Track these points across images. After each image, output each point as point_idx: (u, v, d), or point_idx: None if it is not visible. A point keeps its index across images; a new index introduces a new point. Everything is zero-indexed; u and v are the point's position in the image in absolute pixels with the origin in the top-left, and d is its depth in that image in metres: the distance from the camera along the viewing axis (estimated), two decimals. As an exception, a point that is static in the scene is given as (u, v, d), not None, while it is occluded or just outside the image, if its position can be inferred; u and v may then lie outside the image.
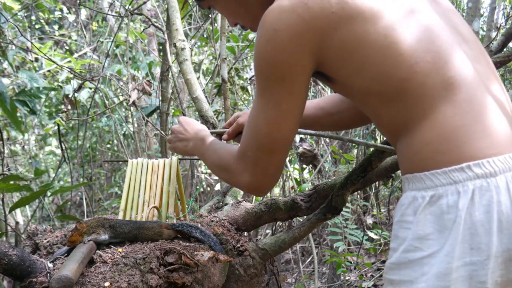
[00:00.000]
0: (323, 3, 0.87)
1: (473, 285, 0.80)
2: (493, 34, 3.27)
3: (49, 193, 3.98)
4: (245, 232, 1.74)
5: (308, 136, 3.83)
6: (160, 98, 3.53)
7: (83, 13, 5.11)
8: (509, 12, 4.01)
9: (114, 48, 4.31)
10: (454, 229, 0.80)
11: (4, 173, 2.32)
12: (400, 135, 0.91)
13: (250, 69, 3.08)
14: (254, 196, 2.44)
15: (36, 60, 4.11)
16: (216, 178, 4.10)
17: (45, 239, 1.47)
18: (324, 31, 0.88)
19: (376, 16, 0.87)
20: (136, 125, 4.06)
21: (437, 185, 0.83)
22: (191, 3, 3.19)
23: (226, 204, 1.85)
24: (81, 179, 4.42)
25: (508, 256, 0.79)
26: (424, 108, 0.86)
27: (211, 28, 3.24)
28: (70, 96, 3.12)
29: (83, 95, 3.88)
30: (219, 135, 1.48)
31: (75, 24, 5.21)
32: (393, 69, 0.87)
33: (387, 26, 0.87)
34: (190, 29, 4.64)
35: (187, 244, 1.40)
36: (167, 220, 1.64)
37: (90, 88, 3.80)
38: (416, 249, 0.84)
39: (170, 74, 3.35)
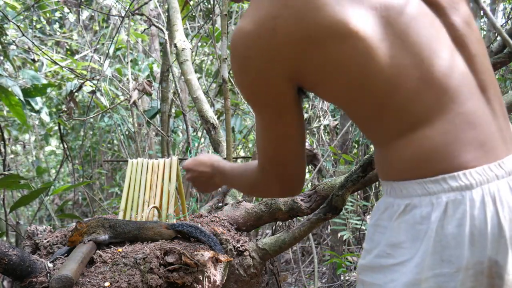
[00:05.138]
0: (289, 28, 0.81)
1: None
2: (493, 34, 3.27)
3: (49, 193, 3.98)
4: (245, 232, 1.74)
5: (308, 136, 3.82)
6: (160, 99, 3.53)
7: (85, 13, 5.11)
8: (510, 12, 4.01)
9: (115, 50, 4.30)
10: (425, 241, 0.80)
11: (4, 173, 2.32)
12: (382, 144, 0.90)
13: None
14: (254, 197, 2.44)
15: (38, 60, 4.11)
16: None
17: (45, 239, 1.47)
18: (296, 56, 0.83)
19: (351, 35, 0.81)
20: (136, 125, 4.06)
21: (413, 195, 0.83)
22: (191, 4, 3.18)
23: (226, 204, 1.85)
24: (81, 179, 4.42)
25: (480, 269, 0.79)
26: (404, 122, 0.84)
27: (212, 28, 3.23)
28: (73, 91, 3.10)
29: (86, 89, 3.87)
30: None
31: (76, 23, 5.20)
32: (371, 85, 0.84)
33: (365, 44, 0.81)
34: (191, 29, 4.63)
35: (187, 244, 1.40)
36: (167, 220, 1.64)
37: (91, 87, 3.80)
38: (388, 255, 0.85)
39: (171, 74, 3.35)
